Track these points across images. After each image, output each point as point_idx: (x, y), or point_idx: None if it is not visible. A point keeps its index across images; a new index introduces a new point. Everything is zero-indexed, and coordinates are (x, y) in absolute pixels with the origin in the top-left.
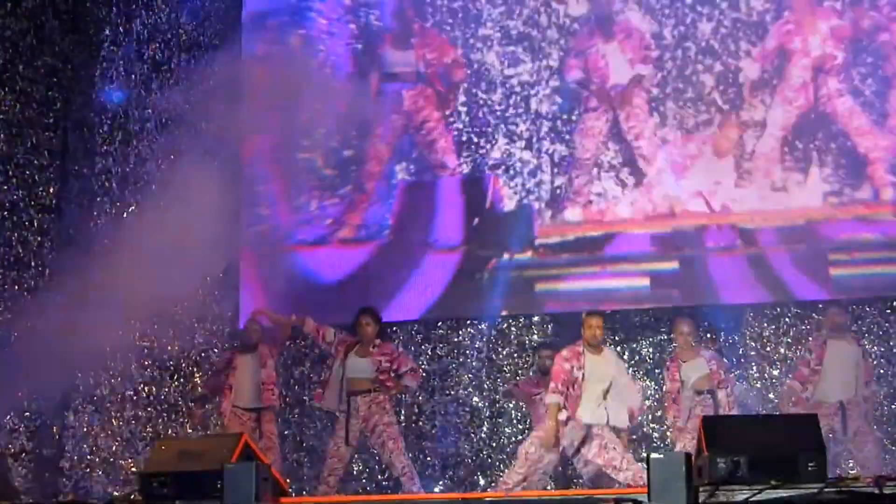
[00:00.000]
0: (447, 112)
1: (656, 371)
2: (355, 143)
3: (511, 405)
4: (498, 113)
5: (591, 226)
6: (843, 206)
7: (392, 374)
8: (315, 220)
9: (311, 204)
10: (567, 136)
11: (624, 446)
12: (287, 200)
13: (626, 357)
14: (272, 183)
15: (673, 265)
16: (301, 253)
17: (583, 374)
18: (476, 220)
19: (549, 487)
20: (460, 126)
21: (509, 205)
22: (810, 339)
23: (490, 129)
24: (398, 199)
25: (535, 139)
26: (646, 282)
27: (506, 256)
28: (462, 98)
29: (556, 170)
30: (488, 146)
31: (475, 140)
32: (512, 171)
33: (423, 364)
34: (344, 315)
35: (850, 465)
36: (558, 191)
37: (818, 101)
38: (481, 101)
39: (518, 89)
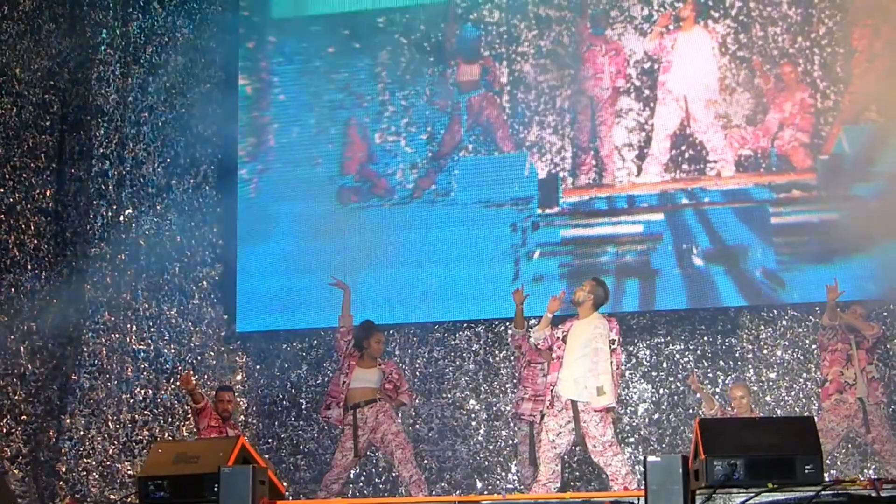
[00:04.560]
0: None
1: (653, 374)
2: None
3: (507, 408)
4: (532, 108)
5: (601, 189)
6: None
7: (395, 387)
8: None
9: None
10: (582, 125)
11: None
12: None
13: (623, 360)
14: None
15: (660, 217)
16: None
17: (564, 336)
18: (517, 186)
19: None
20: (504, 118)
21: (541, 174)
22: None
23: (527, 120)
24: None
25: (559, 127)
26: (639, 228)
27: (539, 211)
28: (506, 98)
29: (574, 149)
30: (526, 132)
31: (517, 128)
32: (543, 150)
33: (419, 367)
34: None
35: None
36: (577, 162)
37: None
38: (520, 100)
39: (547, 91)
